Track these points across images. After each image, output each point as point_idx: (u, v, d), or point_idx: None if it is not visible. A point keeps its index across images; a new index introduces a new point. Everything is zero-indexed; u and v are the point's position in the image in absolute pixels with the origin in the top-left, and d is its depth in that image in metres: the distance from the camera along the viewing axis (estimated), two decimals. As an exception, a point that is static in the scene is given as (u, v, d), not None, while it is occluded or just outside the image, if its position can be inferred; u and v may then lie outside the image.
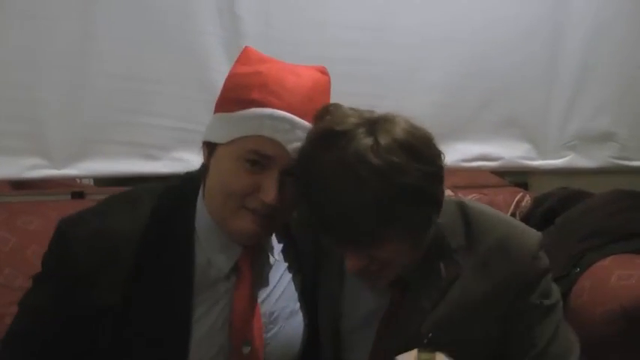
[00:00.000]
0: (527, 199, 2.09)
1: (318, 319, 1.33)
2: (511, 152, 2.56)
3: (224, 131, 1.20)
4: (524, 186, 2.56)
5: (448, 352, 1.14)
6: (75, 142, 2.19)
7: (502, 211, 1.99)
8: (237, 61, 1.26)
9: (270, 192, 1.17)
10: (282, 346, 1.29)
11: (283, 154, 1.17)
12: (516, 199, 2.07)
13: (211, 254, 1.25)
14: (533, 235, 1.27)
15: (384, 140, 1.09)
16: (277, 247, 1.36)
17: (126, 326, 1.18)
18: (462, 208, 1.27)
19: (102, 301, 1.17)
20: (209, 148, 1.23)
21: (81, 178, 2.38)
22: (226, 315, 1.23)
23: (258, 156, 1.17)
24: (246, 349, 1.22)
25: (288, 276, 1.34)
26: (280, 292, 1.31)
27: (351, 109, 1.18)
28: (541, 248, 1.25)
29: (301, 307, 1.33)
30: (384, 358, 1.23)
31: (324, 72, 1.30)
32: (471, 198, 2.08)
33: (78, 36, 2.15)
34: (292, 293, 1.33)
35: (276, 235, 1.35)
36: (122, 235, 1.19)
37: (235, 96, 1.20)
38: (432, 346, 0.97)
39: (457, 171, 2.50)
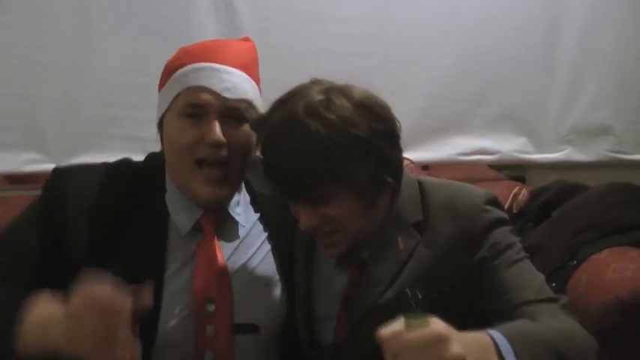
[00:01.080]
0: (524, 193, 2.09)
1: (294, 297, 1.35)
2: (508, 146, 2.59)
3: (162, 101, 1.32)
4: (521, 180, 2.55)
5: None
6: (72, 137, 2.22)
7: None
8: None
9: (211, 132, 1.25)
10: (263, 311, 1.32)
11: (214, 99, 1.26)
12: (513, 192, 2.06)
13: (175, 215, 1.32)
14: (480, 191, 1.27)
15: (336, 98, 1.15)
16: (252, 215, 1.41)
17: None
18: (419, 184, 1.29)
19: (79, 248, 1.23)
20: (160, 128, 1.34)
21: None
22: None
23: (192, 107, 1.27)
24: (211, 307, 1.26)
25: (267, 247, 1.38)
26: (258, 261, 1.35)
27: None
28: (490, 203, 1.24)
29: (280, 280, 1.36)
30: (348, 333, 1.25)
31: (249, 40, 1.43)
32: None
33: (74, 31, 2.18)
34: (271, 265, 1.37)
35: (253, 206, 1.42)
36: (105, 189, 1.29)
37: (167, 71, 1.33)
38: (422, 308, 0.89)
39: (454, 165, 2.53)
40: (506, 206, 2.01)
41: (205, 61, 1.30)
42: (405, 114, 2.44)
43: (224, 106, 1.27)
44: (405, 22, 2.43)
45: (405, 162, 2.23)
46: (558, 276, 1.73)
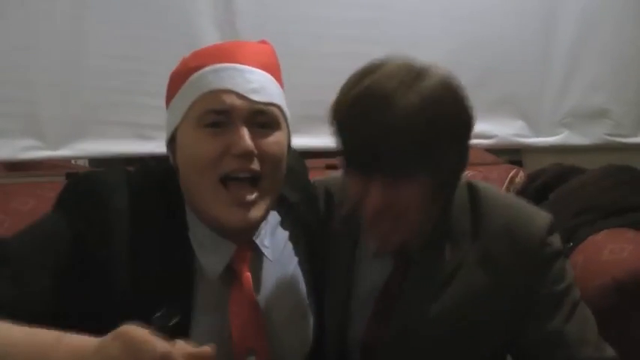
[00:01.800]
0: (521, 175, 2.13)
1: (324, 301, 1.26)
2: (505, 130, 2.60)
3: (175, 112, 1.13)
4: (519, 163, 2.59)
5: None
6: (69, 123, 2.21)
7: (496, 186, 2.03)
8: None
9: (240, 140, 1.08)
10: (293, 349, 1.21)
11: (240, 102, 1.09)
12: (510, 175, 2.11)
13: (201, 256, 1.14)
14: (541, 219, 1.19)
15: (421, 80, 1.07)
16: (281, 238, 1.26)
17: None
18: (471, 191, 1.21)
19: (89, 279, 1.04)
20: (171, 145, 1.15)
21: (75, 159, 2.40)
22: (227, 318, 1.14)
23: (215, 114, 1.09)
24: (251, 358, 1.13)
25: (298, 272, 1.26)
26: (291, 294, 1.23)
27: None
28: (551, 232, 1.18)
29: (310, 304, 1.25)
30: (379, 334, 1.20)
31: (267, 43, 1.24)
32: (465, 174, 2.10)
33: (71, 17, 2.17)
34: (302, 291, 1.25)
35: (282, 226, 1.26)
36: (120, 220, 1.08)
37: (176, 80, 1.14)
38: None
39: None
40: (503, 188, 2.05)
41: (225, 61, 1.12)
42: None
43: (252, 110, 1.10)
44: (407, 8, 2.44)
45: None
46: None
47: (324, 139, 2.36)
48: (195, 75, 1.11)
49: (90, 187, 1.11)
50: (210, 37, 2.27)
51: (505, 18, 2.52)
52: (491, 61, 2.53)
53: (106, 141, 2.25)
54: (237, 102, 1.09)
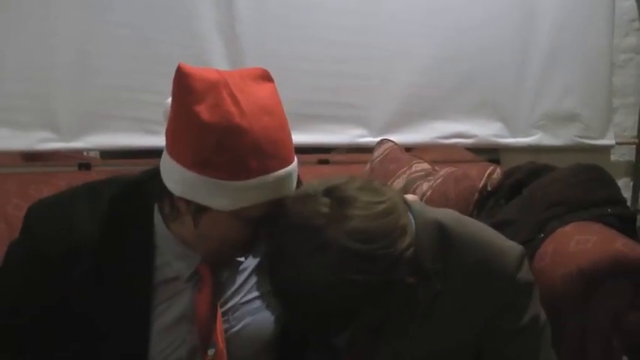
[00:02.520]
0: (498, 172, 2.14)
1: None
2: (485, 131, 2.65)
3: (222, 200, 1.10)
4: (497, 161, 2.61)
5: None
6: (82, 118, 2.29)
7: (475, 182, 2.09)
8: (185, 93, 1.08)
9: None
10: (247, 340, 1.26)
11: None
12: (488, 171, 2.12)
13: (171, 260, 1.21)
14: (511, 255, 1.19)
15: (334, 244, 1.04)
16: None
17: (88, 321, 1.16)
18: (441, 229, 1.19)
19: (65, 293, 1.15)
20: (196, 206, 1.12)
21: (87, 150, 2.47)
22: (186, 309, 1.22)
23: (262, 216, 1.13)
24: (211, 352, 1.21)
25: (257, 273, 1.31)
26: (247, 289, 1.28)
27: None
28: (520, 266, 1.18)
29: (270, 305, 1.29)
30: None
31: (270, 79, 1.17)
32: (447, 170, 2.14)
33: (83, 21, 2.25)
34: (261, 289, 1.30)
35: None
36: (84, 234, 1.16)
37: (224, 163, 1.07)
38: None
39: (435, 147, 2.62)
40: (480, 184, 2.08)
41: (283, 164, 1.11)
42: (391, 100, 2.62)
43: None
44: (393, 16, 2.49)
45: (389, 144, 2.38)
46: (527, 248, 1.64)
47: (316, 135, 2.52)
48: (260, 180, 1.09)
49: (53, 210, 1.19)
50: (211, 40, 2.36)
51: (485, 28, 2.57)
52: (472, 68, 2.59)
53: (114, 134, 2.33)
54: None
